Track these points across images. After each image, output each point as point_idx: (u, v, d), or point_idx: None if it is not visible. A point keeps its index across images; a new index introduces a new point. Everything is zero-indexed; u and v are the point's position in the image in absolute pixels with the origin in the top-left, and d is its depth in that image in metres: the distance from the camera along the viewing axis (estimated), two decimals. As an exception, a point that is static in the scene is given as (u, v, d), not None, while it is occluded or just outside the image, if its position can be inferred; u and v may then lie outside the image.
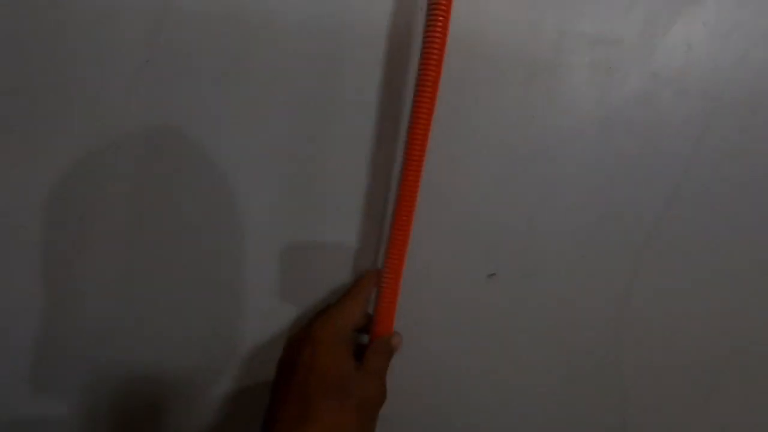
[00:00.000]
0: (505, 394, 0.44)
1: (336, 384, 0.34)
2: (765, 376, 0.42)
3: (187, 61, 0.43)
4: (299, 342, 0.37)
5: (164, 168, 0.45)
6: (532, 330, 0.43)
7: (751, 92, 0.39)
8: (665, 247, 0.41)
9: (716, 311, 0.42)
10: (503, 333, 0.44)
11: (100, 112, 0.45)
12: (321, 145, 0.44)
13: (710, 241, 0.41)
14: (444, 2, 0.34)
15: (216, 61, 0.43)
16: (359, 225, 0.44)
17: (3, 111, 0.46)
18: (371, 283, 0.41)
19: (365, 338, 0.43)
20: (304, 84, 0.43)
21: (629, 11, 0.39)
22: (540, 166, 0.41)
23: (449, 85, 0.41)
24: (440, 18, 0.34)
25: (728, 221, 0.40)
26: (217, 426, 0.50)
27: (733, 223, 0.40)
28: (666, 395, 0.43)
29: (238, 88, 0.43)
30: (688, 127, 0.40)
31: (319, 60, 0.42)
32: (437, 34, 0.35)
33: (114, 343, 0.49)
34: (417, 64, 0.36)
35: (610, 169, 0.41)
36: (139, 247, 0.47)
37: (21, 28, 0.45)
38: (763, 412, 0.42)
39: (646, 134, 0.40)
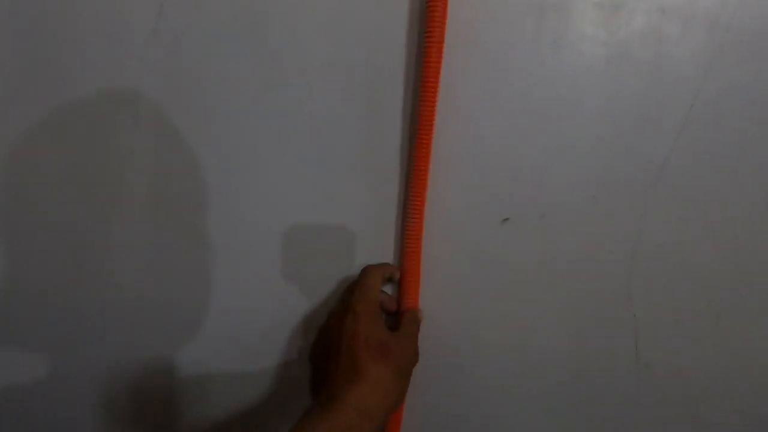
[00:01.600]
0: (521, 332, 0.46)
1: (378, 347, 0.40)
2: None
3: (195, 29, 0.44)
4: (341, 313, 0.43)
5: (181, 142, 0.46)
6: (547, 271, 0.45)
7: (757, 21, 0.39)
8: (674, 183, 0.42)
9: (723, 243, 0.43)
10: (519, 274, 0.45)
11: (114, 86, 0.46)
12: (339, 109, 0.44)
13: (717, 176, 0.41)
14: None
15: (226, 28, 0.44)
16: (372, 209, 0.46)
17: (17, 88, 0.47)
18: (383, 269, 0.46)
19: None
20: (318, 47, 0.43)
21: (634, -54, 0.39)
22: (550, 110, 0.42)
23: (459, 35, 0.41)
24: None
25: (736, 154, 0.41)
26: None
27: (741, 156, 0.41)
28: (676, 327, 0.44)
29: (251, 54, 0.44)
30: (695, 61, 0.40)
31: (334, 24, 0.43)
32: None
33: (129, 330, 0.52)
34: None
35: (618, 110, 0.41)
36: (159, 226, 0.49)
37: (31, 7, 0.45)
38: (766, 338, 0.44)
39: (654, 71, 0.40)
